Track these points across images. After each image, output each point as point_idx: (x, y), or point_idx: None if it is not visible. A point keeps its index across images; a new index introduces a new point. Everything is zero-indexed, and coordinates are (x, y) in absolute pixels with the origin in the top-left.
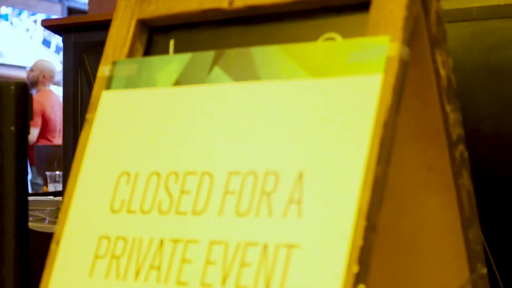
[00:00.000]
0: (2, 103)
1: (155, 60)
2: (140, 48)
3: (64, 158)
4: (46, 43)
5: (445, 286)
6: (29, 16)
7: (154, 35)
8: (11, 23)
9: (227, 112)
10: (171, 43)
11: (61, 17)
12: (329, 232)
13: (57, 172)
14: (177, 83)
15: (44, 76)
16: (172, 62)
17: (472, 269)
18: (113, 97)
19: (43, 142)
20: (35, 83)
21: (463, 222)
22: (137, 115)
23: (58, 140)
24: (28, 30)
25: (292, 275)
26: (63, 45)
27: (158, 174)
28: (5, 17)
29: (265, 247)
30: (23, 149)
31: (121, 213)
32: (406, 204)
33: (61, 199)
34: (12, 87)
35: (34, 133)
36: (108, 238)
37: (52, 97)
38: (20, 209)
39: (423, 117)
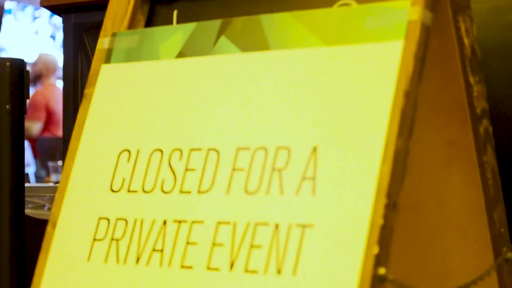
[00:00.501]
0: None
1: (157, 31)
2: (142, 19)
3: (64, 143)
4: (51, 37)
5: (468, 271)
6: (34, 10)
7: (157, 6)
8: (16, 18)
9: (235, 85)
10: (175, 13)
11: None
12: (346, 210)
13: (59, 163)
14: (181, 54)
15: (47, 70)
16: (176, 33)
17: (497, 253)
18: (113, 71)
19: (47, 136)
20: (38, 76)
21: (487, 202)
22: (139, 89)
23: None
24: (32, 24)
25: (306, 258)
26: (63, 26)
27: (161, 151)
28: (9, 12)
29: (277, 227)
30: (19, 130)
31: (121, 193)
32: (426, 182)
33: None
34: (8, 64)
35: (37, 127)
36: (107, 219)
37: (56, 91)
38: (16, 191)
39: (444, 90)
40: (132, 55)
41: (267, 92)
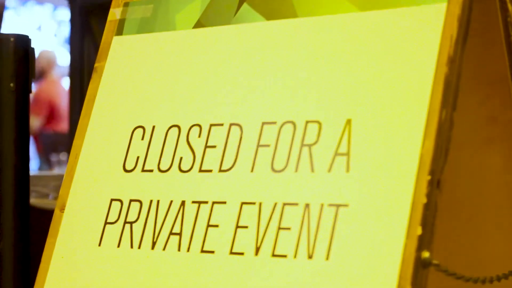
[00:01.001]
0: (1, 57)
1: None
2: None
3: (70, 129)
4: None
5: (507, 260)
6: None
7: None
8: (17, 13)
9: (259, 56)
10: None
11: (67, 8)
12: (384, 188)
13: (62, 157)
14: (199, 24)
15: (49, 66)
16: (193, 1)
17: None
18: (125, 43)
19: (49, 131)
20: (41, 73)
21: None
22: (153, 62)
23: (63, 128)
24: (35, 20)
25: (340, 241)
26: (70, 9)
27: (178, 127)
28: (11, 7)
29: (307, 207)
30: (24, 110)
31: (135, 173)
32: (465, 162)
33: None
34: (12, 39)
35: (37, 122)
36: (120, 201)
37: (59, 87)
38: (20, 174)
39: (485, 61)
40: (145, 26)
41: (295, 62)
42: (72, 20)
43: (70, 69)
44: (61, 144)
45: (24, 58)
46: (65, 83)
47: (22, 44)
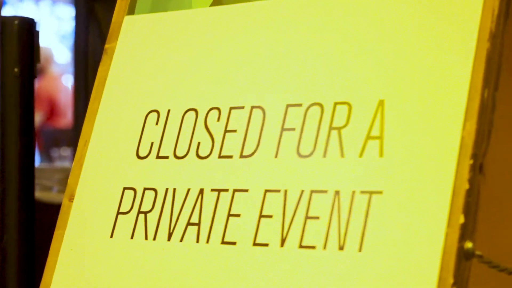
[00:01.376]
0: (4, 40)
1: None
2: None
3: (74, 123)
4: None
5: None
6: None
7: None
8: (15, 10)
9: (282, 34)
10: None
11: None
12: (422, 174)
13: (64, 152)
14: (217, 2)
15: (48, 62)
16: None
17: None
18: (137, 23)
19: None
20: (40, 69)
21: None
22: (167, 43)
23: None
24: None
25: (373, 231)
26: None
27: (195, 111)
28: (9, 2)
29: (337, 195)
30: (29, 95)
31: (149, 159)
32: (508, 146)
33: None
34: (16, 22)
35: (37, 118)
36: (133, 189)
37: (58, 83)
38: (25, 165)
39: None
40: (159, 5)
41: (321, 39)
42: (77, 9)
43: (74, 60)
44: (62, 139)
45: (28, 42)
46: (65, 79)
47: (26, 27)
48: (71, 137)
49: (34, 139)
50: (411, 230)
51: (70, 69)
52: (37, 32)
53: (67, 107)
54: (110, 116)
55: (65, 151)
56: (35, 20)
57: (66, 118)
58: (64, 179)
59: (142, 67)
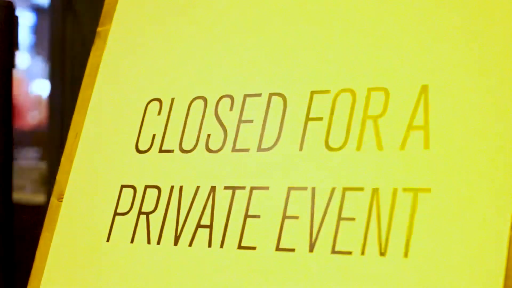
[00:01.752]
0: None
1: None
2: None
3: (50, 118)
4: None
5: None
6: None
7: None
8: None
9: (305, 10)
10: None
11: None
12: (477, 168)
13: (25, 153)
14: None
15: None
16: None
17: None
18: (134, 3)
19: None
20: None
21: None
22: (170, 25)
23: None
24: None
25: (422, 234)
26: None
27: (204, 99)
28: None
29: (375, 193)
30: (7, 88)
31: (151, 154)
32: None
33: (46, 166)
34: None
35: None
36: (133, 187)
37: (18, 84)
38: (1, 161)
39: None
40: None
41: (353, 17)
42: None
43: (50, 49)
44: (22, 140)
45: (6, 28)
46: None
47: (3, 11)
48: (49, 135)
49: (12, 134)
50: (466, 233)
51: (31, 73)
52: (16, 18)
53: (26, 109)
54: (104, 106)
55: (28, 152)
56: (14, 4)
57: (25, 120)
58: (36, 178)
59: (141, 52)
